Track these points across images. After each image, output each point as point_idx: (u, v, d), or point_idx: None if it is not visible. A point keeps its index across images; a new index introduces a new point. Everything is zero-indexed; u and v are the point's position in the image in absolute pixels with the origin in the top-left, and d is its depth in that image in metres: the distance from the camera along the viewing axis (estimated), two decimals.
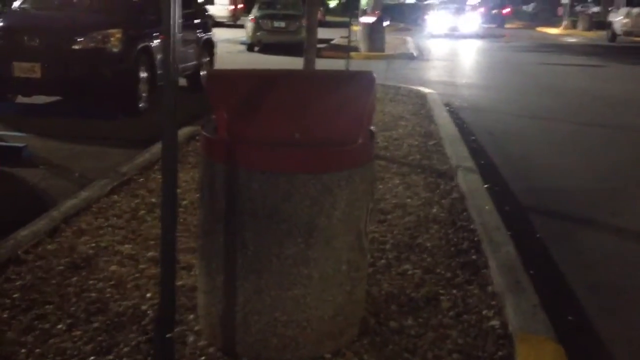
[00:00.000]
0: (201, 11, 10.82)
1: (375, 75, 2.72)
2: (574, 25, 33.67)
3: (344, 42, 21.51)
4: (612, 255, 4.25)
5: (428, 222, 4.32)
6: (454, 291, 3.30)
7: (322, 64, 14.25)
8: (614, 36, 25.77)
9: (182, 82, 10.15)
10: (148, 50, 8.10)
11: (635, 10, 23.75)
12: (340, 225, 2.59)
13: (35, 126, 7.17)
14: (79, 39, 7.57)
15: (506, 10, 41.91)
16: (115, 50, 7.63)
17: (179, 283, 3.22)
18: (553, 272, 3.93)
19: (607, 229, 4.78)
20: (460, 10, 31.39)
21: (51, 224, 3.94)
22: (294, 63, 15.95)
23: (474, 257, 3.75)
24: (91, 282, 3.25)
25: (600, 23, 31.29)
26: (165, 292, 2.26)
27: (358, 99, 2.62)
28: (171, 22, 2.11)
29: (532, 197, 5.38)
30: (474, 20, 30.57)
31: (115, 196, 4.62)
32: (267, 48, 18.15)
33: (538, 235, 4.50)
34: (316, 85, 2.62)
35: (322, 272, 2.58)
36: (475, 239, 4.01)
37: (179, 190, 4.79)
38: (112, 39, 7.58)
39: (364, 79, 2.70)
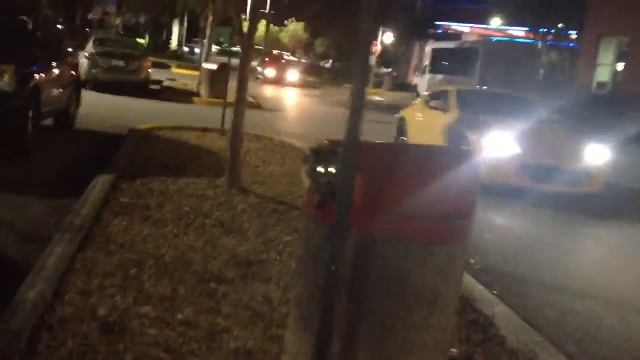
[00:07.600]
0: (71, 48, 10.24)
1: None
2: (379, 85, 36.39)
3: (172, 84, 21.37)
4: None
5: None
6: None
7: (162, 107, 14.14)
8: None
9: (49, 122, 9.49)
10: (37, 88, 7.57)
11: (438, 77, 26.54)
12: (455, 294, 2.80)
13: None
14: None
15: None
16: (6, 88, 7.02)
17: None
18: None
19: None
20: None
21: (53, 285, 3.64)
22: (130, 103, 15.27)
23: None
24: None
25: (402, 85, 34.28)
26: None
27: (474, 175, 2.87)
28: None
29: None
30: None
31: (89, 252, 4.33)
32: (100, 86, 17.17)
33: None
34: (443, 161, 2.85)
35: (435, 338, 2.75)
36: None
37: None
38: (6, 76, 6.98)
39: (476, 158, 2.98)
